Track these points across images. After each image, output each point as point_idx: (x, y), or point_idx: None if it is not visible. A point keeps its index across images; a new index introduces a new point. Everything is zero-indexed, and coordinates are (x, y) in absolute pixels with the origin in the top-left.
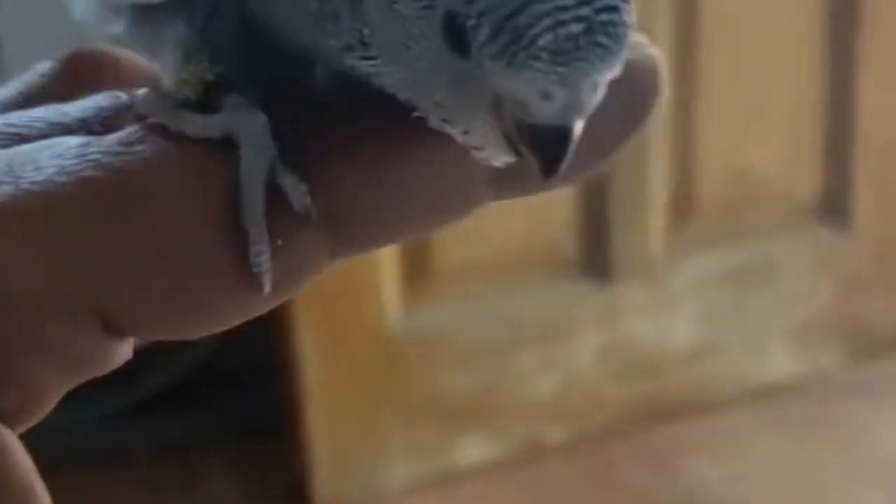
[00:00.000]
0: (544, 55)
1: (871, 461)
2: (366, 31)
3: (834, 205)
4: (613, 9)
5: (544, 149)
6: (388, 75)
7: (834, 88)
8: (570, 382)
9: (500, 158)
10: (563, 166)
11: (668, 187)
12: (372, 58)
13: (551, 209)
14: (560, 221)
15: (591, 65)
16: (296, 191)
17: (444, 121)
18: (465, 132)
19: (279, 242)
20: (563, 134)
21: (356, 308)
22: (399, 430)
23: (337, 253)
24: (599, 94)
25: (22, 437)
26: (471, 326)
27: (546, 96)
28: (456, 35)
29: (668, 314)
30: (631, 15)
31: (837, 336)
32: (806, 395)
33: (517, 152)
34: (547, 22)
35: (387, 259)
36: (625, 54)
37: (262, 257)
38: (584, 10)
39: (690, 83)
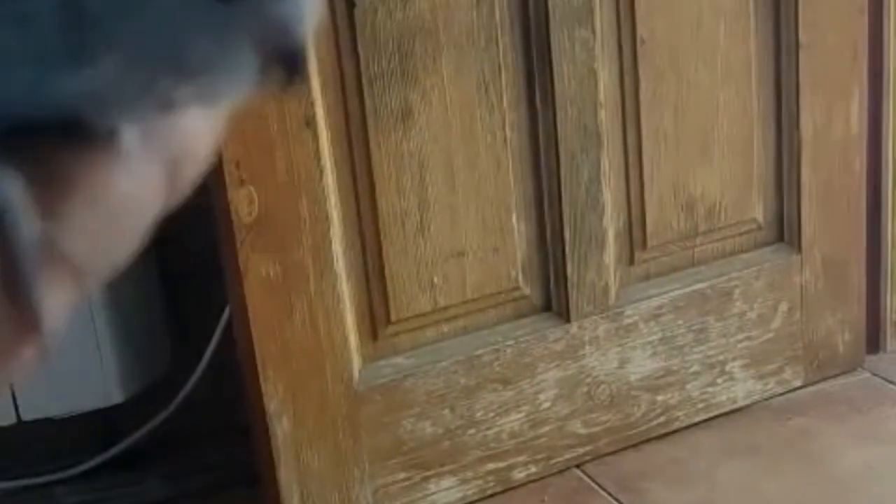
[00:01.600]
0: None
1: (833, 478)
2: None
3: (782, 229)
4: None
5: (295, 58)
6: (107, 59)
7: (778, 117)
8: (535, 419)
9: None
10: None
11: (620, 222)
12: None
13: (507, 251)
14: (516, 262)
15: None
16: (31, 245)
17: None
18: (222, 72)
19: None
20: (301, 37)
21: (320, 362)
22: (369, 478)
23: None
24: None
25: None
26: (433, 372)
27: (294, 4)
28: None
29: (626, 346)
30: None
31: (794, 356)
32: (767, 417)
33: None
34: None
35: (347, 312)
36: None
37: (38, 303)
38: None
39: (637, 117)
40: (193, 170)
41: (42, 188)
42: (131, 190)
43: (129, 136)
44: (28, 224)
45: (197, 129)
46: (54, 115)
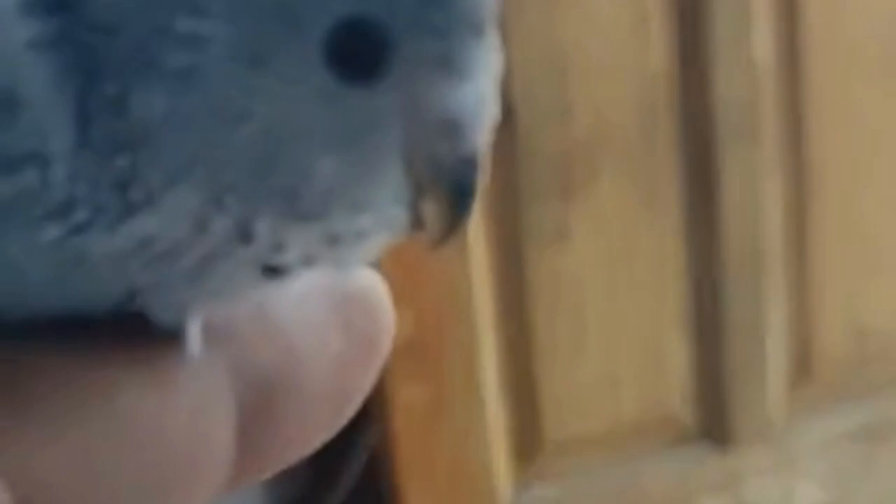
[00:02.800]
0: (483, 51)
1: None
2: (129, 153)
3: None
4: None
5: (465, 186)
6: (189, 198)
7: None
8: None
9: (385, 239)
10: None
11: (785, 347)
12: (133, 201)
13: (665, 375)
14: (674, 387)
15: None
16: None
17: (314, 215)
18: (361, 208)
19: None
20: (481, 162)
21: (466, 485)
22: None
23: None
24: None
25: None
26: (585, 500)
27: (481, 100)
28: (355, 54)
29: (791, 478)
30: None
31: None
32: None
33: (415, 218)
34: (469, 14)
35: (496, 432)
36: None
37: None
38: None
39: (804, 239)
40: (298, 402)
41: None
42: (181, 421)
43: (194, 329)
44: None
45: (307, 322)
46: (79, 299)
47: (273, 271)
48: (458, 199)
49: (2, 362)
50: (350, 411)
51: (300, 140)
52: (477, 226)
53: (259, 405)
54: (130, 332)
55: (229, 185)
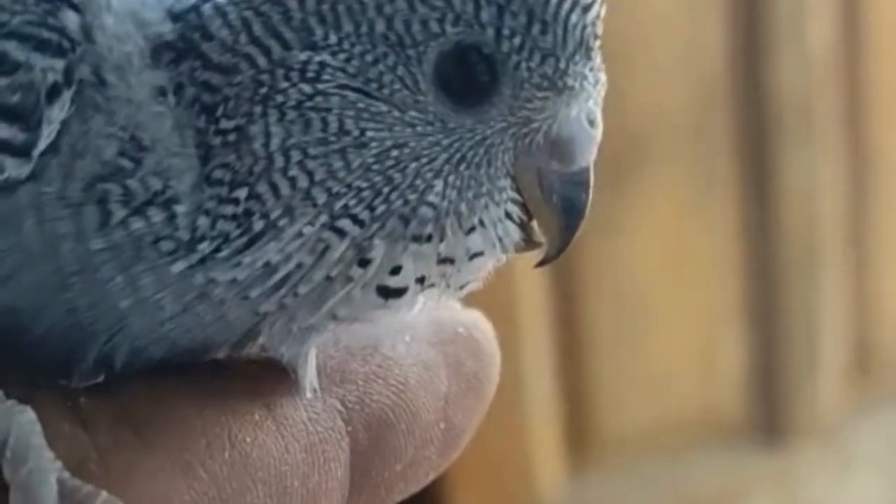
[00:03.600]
0: (591, 69)
1: None
2: (248, 187)
3: None
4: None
5: (575, 204)
6: (309, 226)
7: None
8: None
9: (499, 259)
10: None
11: (842, 341)
12: (254, 231)
13: (718, 369)
14: (727, 382)
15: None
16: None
17: (426, 237)
18: (472, 229)
19: None
20: (590, 179)
21: (516, 480)
22: None
23: None
24: None
25: None
26: (636, 497)
27: (592, 121)
28: (464, 79)
29: (848, 476)
30: None
31: None
32: None
33: (526, 236)
34: (591, 28)
35: (546, 429)
36: None
37: None
38: (599, 8)
39: (863, 233)
40: (409, 440)
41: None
42: (298, 459)
43: (310, 370)
44: (48, 478)
45: (418, 361)
46: (208, 333)
47: (390, 293)
48: (569, 218)
49: (137, 396)
50: (458, 448)
51: (414, 164)
52: None
53: (371, 443)
54: (254, 369)
55: (347, 210)
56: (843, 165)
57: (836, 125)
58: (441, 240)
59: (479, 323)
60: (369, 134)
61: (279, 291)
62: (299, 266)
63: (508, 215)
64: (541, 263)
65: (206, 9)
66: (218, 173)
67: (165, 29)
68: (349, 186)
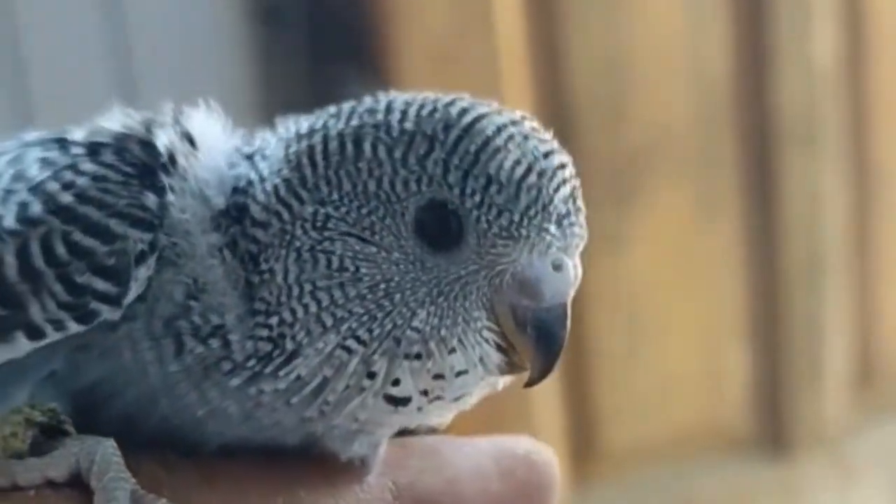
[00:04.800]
0: (554, 220)
1: None
2: (283, 312)
3: None
4: (572, 179)
5: (550, 335)
6: (322, 343)
7: None
8: None
9: (484, 380)
10: (560, 356)
11: (845, 353)
12: (287, 351)
13: (722, 381)
14: (731, 394)
15: (581, 228)
16: None
17: (415, 355)
18: (453, 350)
19: None
20: (564, 314)
21: None
22: None
23: None
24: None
25: None
26: None
27: (558, 267)
28: (438, 228)
29: (852, 487)
30: None
31: None
32: None
33: (508, 360)
34: (549, 188)
35: (552, 441)
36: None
37: None
38: (564, 174)
39: (866, 245)
40: None
41: None
42: None
43: (365, 456)
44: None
45: (472, 463)
46: (269, 433)
47: (396, 401)
48: (544, 347)
49: (218, 463)
50: None
51: (399, 296)
52: None
53: None
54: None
55: (351, 332)
56: (846, 178)
57: (839, 138)
58: (429, 358)
59: (539, 448)
60: (363, 270)
61: (316, 399)
62: (325, 379)
63: (486, 340)
64: (527, 385)
65: (255, 180)
66: (259, 305)
67: (220, 202)
68: (350, 312)
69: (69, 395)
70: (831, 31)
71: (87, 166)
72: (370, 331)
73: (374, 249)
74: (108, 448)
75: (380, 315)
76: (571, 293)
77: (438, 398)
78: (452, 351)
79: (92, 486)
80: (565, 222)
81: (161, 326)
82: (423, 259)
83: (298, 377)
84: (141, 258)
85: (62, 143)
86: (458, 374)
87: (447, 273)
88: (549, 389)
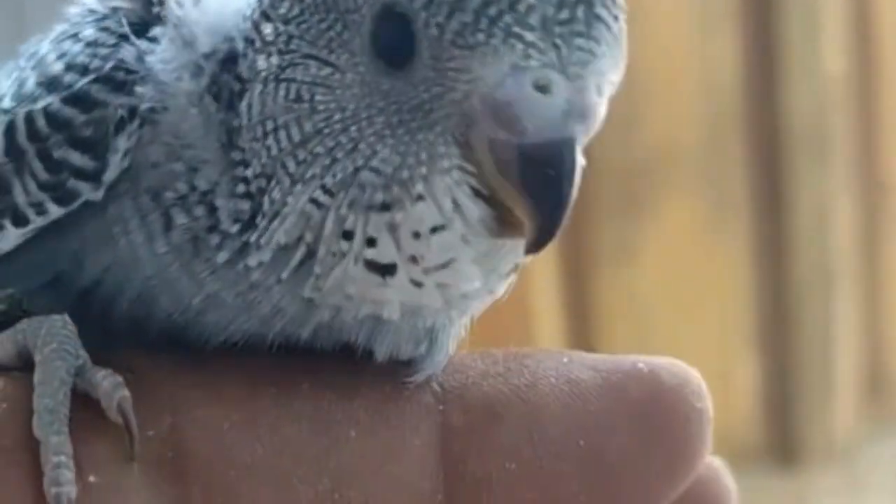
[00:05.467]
0: (535, 22)
1: None
2: (253, 160)
3: None
4: None
5: (543, 178)
6: (292, 198)
7: None
8: None
9: (473, 238)
10: (566, 217)
11: (855, 365)
12: (266, 213)
13: (731, 394)
14: (742, 408)
15: (598, 45)
16: (109, 392)
17: (380, 205)
18: (419, 198)
19: (91, 479)
20: (568, 155)
21: None
22: None
23: None
24: (604, 102)
25: None
26: None
27: (543, 88)
28: (392, 40)
29: (862, 499)
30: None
31: None
32: None
33: (498, 216)
34: None
35: None
36: (624, 50)
37: (63, 488)
38: None
39: (876, 258)
40: (527, 435)
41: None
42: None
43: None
44: (110, 386)
45: (566, 376)
46: (271, 321)
47: (381, 269)
48: (537, 199)
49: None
50: (613, 491)
51: (355, 128)
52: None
53: (468, 427)
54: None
55: (316, 180)
56: (856, 191)
57: (849, 151)
58: (396, 208)
59: (673, 366)
60: (318, 98)
61: (307, 274)
62: (308, 245)
63: (458, 185)
64: (526, 252)
65: (247, 16)
66: (235, 154)
67: (206, 44)
68: (312, 154)
69: (76, 298)
70: (841, 43)
71: (87, 31)
72: (333, 176)
73: (329, 71)
74: (55, 322)
75: (340, 155)
76: (579, 129)
77: (433, 268)
78: (419, 198)
79: (35, 361)
80: (559, 29)
81: (148, 201)
82: (378, 81)
83: (280, 245)
84: (120, 126)
85: (81, 13)
86: (434, 229)
87: (407, 97)
88: None
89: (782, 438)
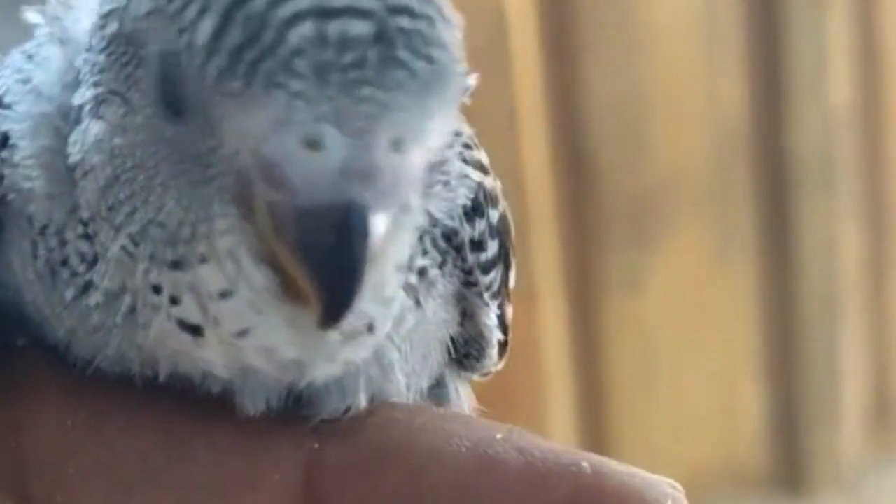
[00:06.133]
0: (305, 68)
1: None
2: (82, 200)
3: None
4: (419, 15)
5: (325, 252)
6: (110, 244)
7: None
8: None
9: (264, 307)
10: (358, 290)
11: (862, 393)
12: (96, 254)
13: (738, 421)
14: (747, 434)
15: (393, 94)
16: None
17: (172, 263)
18: (203, 259)
19: None
20: (354, 221)
21: None
22: None
23: None
24: (414, 163)
25: None
26: None
27: (312, 143)
28: (172, 83)
29: None
30: (453, 33)
31: None
32: None
33: (286, 283)
34: (306, 23)
35: None
36: (455, 94)
37: None
38: (369, 3)
39: (882, 287)
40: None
41: None
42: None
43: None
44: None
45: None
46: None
47: (190, 329)
48: (315, 269)
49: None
50: None
51: (143, 177)
52: (549, 272)
53: (345, 470)
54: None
55: (123, 227)
56: (862, 219)
57: (855, 180)
58: (187, 268)
59: (638, 478)
60: (115, 141)
61: (134, 319)
62: (130, 293)
63: (237, 247)
64: (319, 326)
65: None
66: (77, 191)
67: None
68: (117, 199)
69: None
70: (847, 73)
71: None
72: (136, 225)
73: (125, 111)
74: None
75: (138, 204)
76: (368, 191)
77: (235, 334)
78: (203, 259)
79: None
80: (338, 77)
81: (26, 224)
82: (163, 126)
83: (108, 290)
84: None
85: None
86: (223, 295)
87: (187, 147)
88: (565, 428)
89: (788, 466)
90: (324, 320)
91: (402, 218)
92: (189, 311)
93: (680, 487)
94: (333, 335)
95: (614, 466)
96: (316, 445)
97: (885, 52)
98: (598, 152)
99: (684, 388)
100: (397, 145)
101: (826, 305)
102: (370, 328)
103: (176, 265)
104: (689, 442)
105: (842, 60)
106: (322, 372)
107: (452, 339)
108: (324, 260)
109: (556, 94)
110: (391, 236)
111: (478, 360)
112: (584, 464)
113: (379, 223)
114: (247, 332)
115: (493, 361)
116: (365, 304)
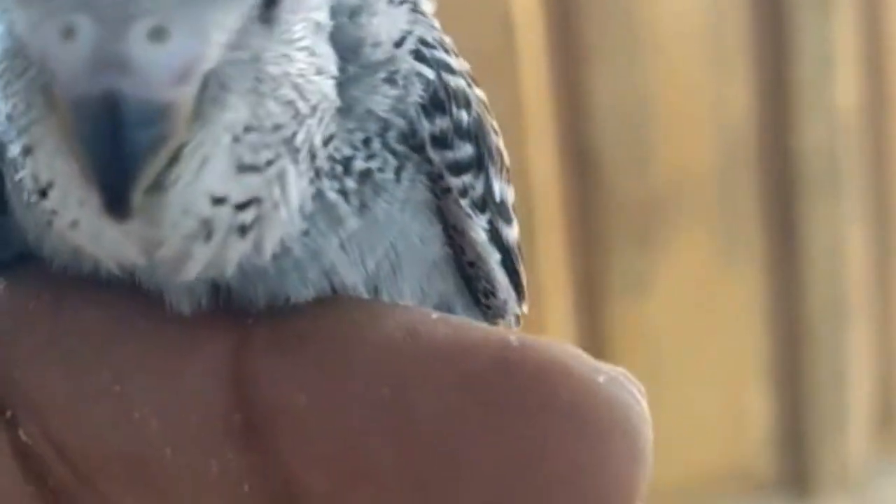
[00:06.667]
0: None
1: None
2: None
3: None
4: None
5: (93, 141)
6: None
7: None
8: None
9: (78, 198)
10: (132, 183)
11: (868, 396)
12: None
13: (744, 425)
14: (754, 437)
15: None
16: None
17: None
18: (28, 150)
19: None
20: (110, 112)
21: None
22: None
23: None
24: (189, 54)
25: None
26: None
27: (67, 32)
28: None
29: None
30: None
31: None
32: None
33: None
34: None
35: None
36: None
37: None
38: None
39: (889, 291)
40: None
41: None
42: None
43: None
44: None
45: None
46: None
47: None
48: (86, 157)
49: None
50: (413, 452)
51: (7, 78)
52: (556, 275)
53: (269, 349)
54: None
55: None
56: (868, 224)
57: (861, 184)
58: (28, 158)
59: (567, 353)
60: None
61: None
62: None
63: (48, 137)
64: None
65: None
66: None
67: None
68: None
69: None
70: (853, 77)
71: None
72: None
73: None
74: None
75: (6, 100)
76: (129, 80)
77: (67, 225)
78: (28, 151)
79: None
80: None
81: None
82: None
83: (28, 189)
84: None
85: None
86: (48, 185)
87: (20, 48)
88: None
89: (795, 469)
90: (106, 213)
91: (213, 112)
92: (45, 204)
93: (634, 380)
94: (152, 232)
95: (544, 343)
96: (249, 322)
97: (890, 56)
98: (604, 156)
99: (690, 391)
100: (157, 35)
101: (832, 308)
102: (207, 229)
103: (25, 152)
104: (696, 445)
105: (848, 64)
106: (193, 270)
107: (458, 267)
108: (92, 151)
109: (563, 98)
110: (198, 132)
111: (494, 294)
112: (512, 337)
113: (152, 114)
114: (76, 224)
115: (508, 294)
116: (191, 203)
